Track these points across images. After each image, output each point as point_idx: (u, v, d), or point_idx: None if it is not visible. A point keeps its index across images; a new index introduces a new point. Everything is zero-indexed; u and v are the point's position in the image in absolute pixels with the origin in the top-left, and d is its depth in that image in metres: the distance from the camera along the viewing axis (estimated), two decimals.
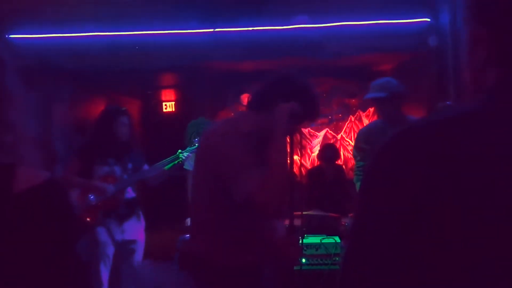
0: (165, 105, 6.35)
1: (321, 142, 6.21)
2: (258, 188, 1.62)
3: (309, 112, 1.83)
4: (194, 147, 3.69)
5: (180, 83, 6.38)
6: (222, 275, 1.75)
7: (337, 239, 3.16)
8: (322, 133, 6.36)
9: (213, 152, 1.78)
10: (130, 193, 3.62)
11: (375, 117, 5.54)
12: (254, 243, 1.77)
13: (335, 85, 6.26)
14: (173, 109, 6.37)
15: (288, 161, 1.72)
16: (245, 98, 5.98)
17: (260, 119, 1.80)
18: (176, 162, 3.60)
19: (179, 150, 3.68)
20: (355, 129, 6.34)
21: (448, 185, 0.71)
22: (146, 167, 3.68)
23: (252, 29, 4.91)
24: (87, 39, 5.17)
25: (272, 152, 1.69)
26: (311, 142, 6.23)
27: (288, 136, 1.77)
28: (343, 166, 5.55)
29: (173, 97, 6.44)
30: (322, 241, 3.10)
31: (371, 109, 6.19)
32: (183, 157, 3.60)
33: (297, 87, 1.80)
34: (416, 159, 0.74)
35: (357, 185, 3.22)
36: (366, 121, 6.31)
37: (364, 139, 3.29)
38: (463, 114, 0.77)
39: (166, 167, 3.55)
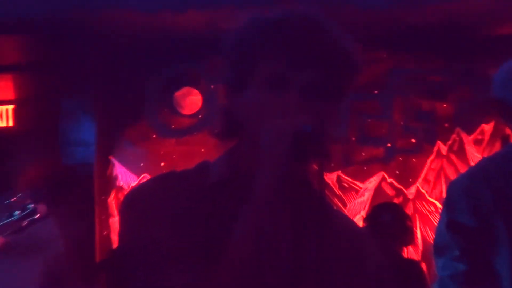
0: None
1: (370, 202, 5.16)
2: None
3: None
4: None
5: (35, 61, 5.17)
6: None
7: None
8: (371, 183, 5.19)
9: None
10: None
11: (497, 145, 5.18)
12: None
13: (396, 66, 5.20)
14: (10, 123, 5.16)
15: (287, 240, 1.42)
16: (185, 98, 5.26)
17: (236, 153, 1.49)
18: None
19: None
20: (448, 173, 5.11)
21: None
22: None
23: None
24: None
25: (242, 221, 1.35)
26: (348, 204, 5.24)
27: (284, 190, 1.35)
28: (420, 261, 4.54)
29: (11, 94, 5.28)
30: None
31: (486, 127, 5.17)
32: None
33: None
34: None
35: None
36: (477, 155, 5.10)
37: (473, 197, 2.38)
38: None
39: None
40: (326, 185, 2.24)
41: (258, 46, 1.35)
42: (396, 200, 5.12)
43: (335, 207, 1.71)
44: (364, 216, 4.64)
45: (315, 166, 1.36)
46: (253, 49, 1.36)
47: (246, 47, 1.38)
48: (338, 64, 1.33)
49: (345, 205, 5.16)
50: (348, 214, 5.10)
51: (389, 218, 4.07)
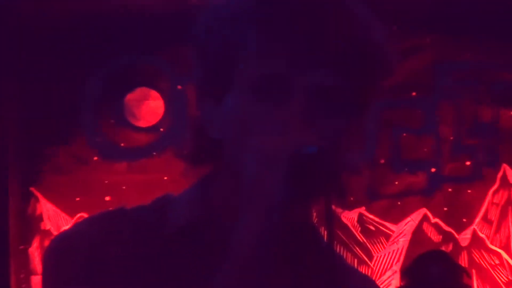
0: None
1: (406, 252, 4.75)
2: None
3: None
4: None
5: None
6: None
7: None
8: (408, 225, 4.71)
9: None
10: None
11: None
12: None
13: (443, 59, 4.69)
14: None
15: None
16: (139, 103, 4.86)
17: (211, 185, 1.33)
18: None
19: None
20: None
21: None
22: None
23: None
24: None
25: (217, 284, 1.21)
26: (374, 255, 4.75)
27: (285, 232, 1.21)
28: None
29: None
30: None
31: None
32: None
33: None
34: None
35: None
36: None
37: None
38: None
39: None
40: (338, 228, 2.16)
41: (245, 34, 1.17)
42: (443, 248, 4.50)
43: (351, 264, 1.56)
44: (404, 270, 4.14)
45: (322, 204, 1.08)
46: (239, 38, 1.18)
47: (229, 35, 1.20)
48: (361, 61, 1.13)
49: (370, 256, 4.55)
50: (370, 273, 4.69)
51: (439, 272, 3.71)
